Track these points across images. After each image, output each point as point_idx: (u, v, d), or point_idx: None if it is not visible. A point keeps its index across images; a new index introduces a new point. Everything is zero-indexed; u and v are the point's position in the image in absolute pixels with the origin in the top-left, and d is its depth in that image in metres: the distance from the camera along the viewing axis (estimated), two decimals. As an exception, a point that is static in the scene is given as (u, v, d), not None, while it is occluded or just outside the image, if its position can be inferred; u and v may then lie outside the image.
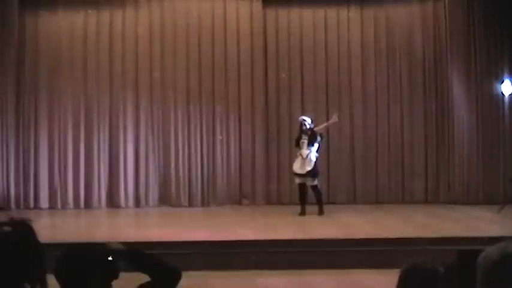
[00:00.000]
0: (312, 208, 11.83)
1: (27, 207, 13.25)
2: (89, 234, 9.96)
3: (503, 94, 13.20)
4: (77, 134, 13.64)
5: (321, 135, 12.10)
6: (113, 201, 13.63)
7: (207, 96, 13.84)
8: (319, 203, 11.88)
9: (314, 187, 11.93)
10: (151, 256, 3.07)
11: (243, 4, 13.94)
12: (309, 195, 12.08)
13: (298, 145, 11.97)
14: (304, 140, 11.86)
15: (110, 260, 2.88)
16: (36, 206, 13.35)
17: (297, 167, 11.88)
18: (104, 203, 13.59)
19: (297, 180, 11.99)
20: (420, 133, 13.83)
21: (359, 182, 13.84)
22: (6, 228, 2.34)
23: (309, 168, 11.74)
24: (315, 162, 11.82)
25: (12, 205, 13.11)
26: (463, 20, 13.34)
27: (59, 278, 2.79)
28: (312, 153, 11.81)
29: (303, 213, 11.80)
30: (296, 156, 11.98)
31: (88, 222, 11.52)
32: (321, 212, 11.80)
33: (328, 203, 12.96)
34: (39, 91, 13.67)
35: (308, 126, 11.93)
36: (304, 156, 11.77)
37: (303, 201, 11.90)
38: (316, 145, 11.89)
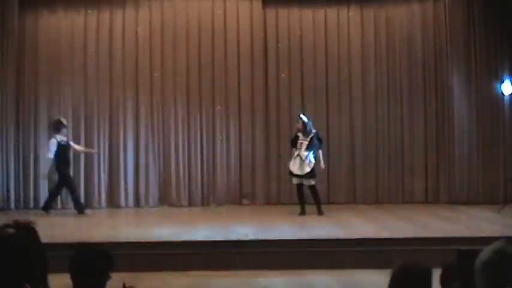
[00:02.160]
0: (312, 208, 11.83)
1: (27, 207, 13.25)
2: (89, 234, 9.95)
3: (503, 94, 13.21)
4: (76, 134, 13.63)
5: (320, 139, 12.02)
6: (113, 201, 13.63)
7: (207, 96, 13.84)
8: (318, 203, 11.85)
9: (312, 187, 11.89)
10: None
11: (243, 4, 13.94)
12: (307, 195, 12.06)
13: (295, 145, 11.92)
14: (303, 141, 11.81)
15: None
16: (36, 206, 13.32)
17: (295, 168, 11.80)
18: (104, 203, 13.59)
19: (295, 181, 11.95)
20: (420, 133, 13.83)
21: (359, 182, 13.83)
22: (11, 230, 2.36)
23: (308, 169, 11.71)
24: (314, 163, 11.81)
25: (12, 205, 13.11)
26: (463, 20, 13.35)
27: (73, 274, 2.87)
28: (311, 154, 11.77)
29: (303, 213, 11.78)
30: (293, 156, 11.92)
31: (88, 222, 11.51)
32: (320, 212, 11.78)
33: (328, 203, 12.98)
34: (39, 91, 13.66)
35: (301, 126, 11.86)
36: (304, 157, 11.73)
37: (302, 201, 11.88)
38: (315, 147, 11.84)
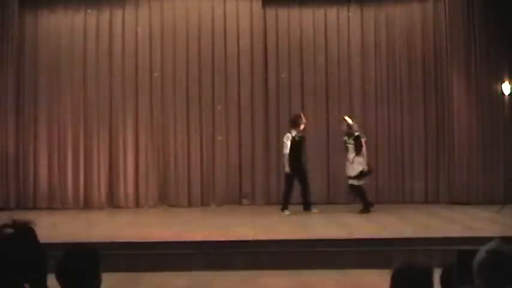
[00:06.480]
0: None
1: (26, 207, 13.25)
2: (88, 234, 9.95)
3: (503, 94, 13.20)
4: (76, 134, 13.65)
5: (360, 142, 12.02)
6: (112, 201, 13.63)
7: (207, 96, 13.83)
8: (362, 201, 12.06)
9: (352, 186, 12.14)
10: None
11: (243, 4, 13.94)
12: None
13: (346, 149, 12.11)
14: (348, 144, 11.99)
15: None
16: (36, 206, 13.34)
17: (347, 170, 12.09)
18: (103, 203, 13.59)
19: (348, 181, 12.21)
20: (420, 133, 13.83)
21: (359, 182, 13.82)
22: (9, 230, 2.35)
23: (357, 170, 11.91)
24: (362, 162, 11.96)
25: (12, 205, 13.11)
26: (463, 20, 13.34)
27: (59, 278, 2.81)
28: (358, 156, 11.91)
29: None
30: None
31: (88, 222, 11.51)
32: (363, 210, 11.96)
33: (328, 203, 13.01)
34: (38, 91, 13.67)
35: (346, 128, 12.01)
36: (351, 160, 11.95)
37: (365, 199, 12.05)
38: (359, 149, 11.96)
